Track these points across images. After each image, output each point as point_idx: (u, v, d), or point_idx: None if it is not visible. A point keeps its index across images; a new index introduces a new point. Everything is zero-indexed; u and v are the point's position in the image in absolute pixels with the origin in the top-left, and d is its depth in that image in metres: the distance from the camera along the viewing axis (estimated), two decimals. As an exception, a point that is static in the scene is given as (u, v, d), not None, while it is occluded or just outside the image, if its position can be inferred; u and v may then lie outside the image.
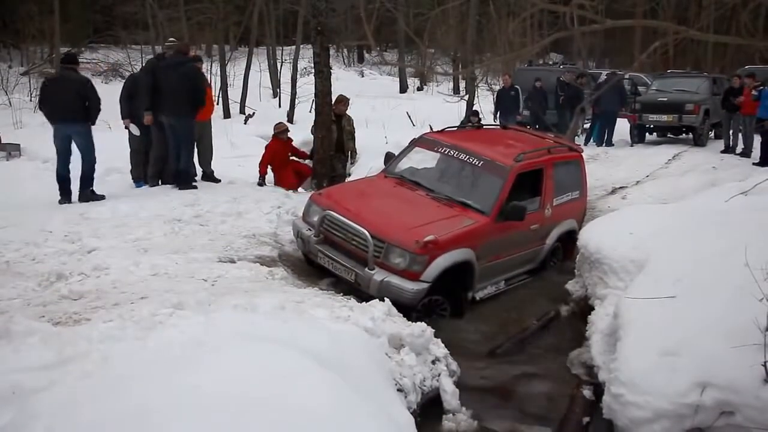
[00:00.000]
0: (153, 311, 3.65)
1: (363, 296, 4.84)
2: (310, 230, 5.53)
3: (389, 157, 6.61)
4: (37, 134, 10.88)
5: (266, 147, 8.32)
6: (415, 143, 6.62)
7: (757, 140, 11.30)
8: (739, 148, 12.18)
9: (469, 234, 5.26)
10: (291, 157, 8.41)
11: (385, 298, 4.46)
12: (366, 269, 4.98)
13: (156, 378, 2.76)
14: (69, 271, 4.71)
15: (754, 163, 10.82)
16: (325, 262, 5.34)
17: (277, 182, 8.25)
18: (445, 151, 6.22)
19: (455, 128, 7.53)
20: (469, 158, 5.98)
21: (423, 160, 6.63)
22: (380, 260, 4.98)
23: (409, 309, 4.81)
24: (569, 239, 6.45)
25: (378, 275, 4.92)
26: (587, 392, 4.01)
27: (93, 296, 4.25)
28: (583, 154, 7.05)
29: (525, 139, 7.00)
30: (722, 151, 12.47)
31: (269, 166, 8.21)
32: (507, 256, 5.82)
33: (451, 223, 5.29)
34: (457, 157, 6.07)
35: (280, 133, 8.18)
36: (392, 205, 5.64)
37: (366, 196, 5.89)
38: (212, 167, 8.34)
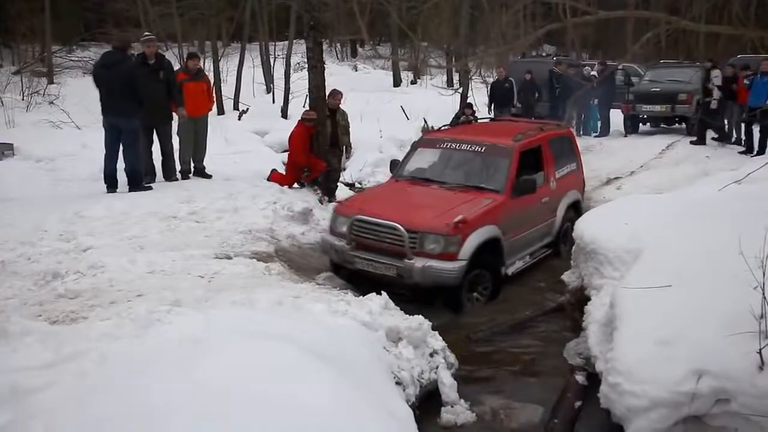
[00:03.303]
0: (150, 309, 3.65)
1: (400, 291, 5.16)
2: (341, 241, 5.67)
3: (395, 164, 6.92)
4: (30, 134, 10.83)
5: (295, 135, 8.12)
6: (417, 145, 6.98)
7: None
8: (733, 137, 12.22)
9: (491, 211, 5.62)
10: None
11: (383, 292, 4.49)
12: (405, 260, 5.22)
13: (155, 375, 2.77)
14: (65, 269, 4.70)
15: (740, 152, 10.87)
16: (363, 265, 5.51)
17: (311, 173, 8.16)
18: (447, 145, 6.59)
19: (448, 126, 7.93)
20: (471, 147, 6.37)
21: (428, 159, 6.83)
22: (416, 250, 5.24)
23: (456, 292, 5.26)
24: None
25: (418, 263, 5.18)
26: (580, 377, 4.05)
27: (90, 295, 4.25)
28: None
29: (516, 124, 7.56)
30: (714, 139, 12.52)
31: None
32: (527, 231, 6.19)
33: (472, 204, 5.62)
34: (460, 148, 6.46)
35: (310, 120, 8.06)
36: (413, 200, 5.97)
37: (386, 198, 6.19)
38: (204, 164, 8.32)
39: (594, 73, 14.26)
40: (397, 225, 5.30)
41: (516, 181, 5.93)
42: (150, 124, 7.60)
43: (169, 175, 7.95)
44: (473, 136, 6.67)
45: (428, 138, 7.03)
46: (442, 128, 7.35)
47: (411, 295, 5.33)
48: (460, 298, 5.40)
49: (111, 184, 7.26)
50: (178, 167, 8.14)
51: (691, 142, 12.24)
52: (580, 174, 7.41)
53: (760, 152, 10.48)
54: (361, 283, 5.45)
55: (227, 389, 2.62)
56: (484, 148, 6.29)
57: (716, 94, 11.89)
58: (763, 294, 2.94)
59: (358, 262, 5.53)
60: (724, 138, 12.15)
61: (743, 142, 11.31)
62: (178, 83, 7.85)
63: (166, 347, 3.08)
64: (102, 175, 7.32)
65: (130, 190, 7.16)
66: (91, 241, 5.40)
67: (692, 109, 13.09)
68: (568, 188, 6.95)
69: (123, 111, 7.08)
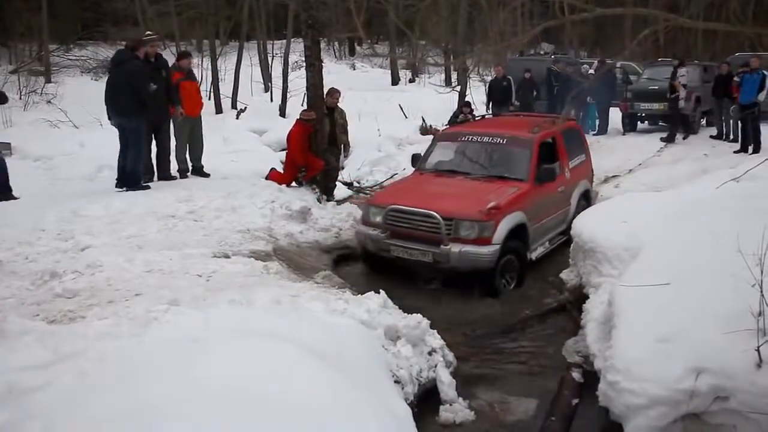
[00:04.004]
0: (148, 308, 3.64)
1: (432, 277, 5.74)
2: (375, 230, 5.92)
3: (416, 158, 7.14)
4: (28, 133, 10.83)
5: (294, 134, 8.03)
6: (437, 139, 7.31)
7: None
8: (731, 134, 12.24)
9: (518, 198, 5.95)
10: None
11: (381, 291, 4.49)
12: (441, 246, 5.48)
13: (153, 375, 2.76)
14: (63, 269, 4.68)
15: (735, 151, 10.86)
16: (399, 252, 5.77)
17: (309, 172, 8.13)
18: (468, 138, 6.89)
19: (447, 125, 8.22)
20: (492, 139, 6.68)
21: (449, 152, 7.04)
22: (452, 236, 5.53)
23: (491, 276, 5.54)
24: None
25: (455, 248, 5.45)
26: (576, 375, 4.06)
27: (87, 294, 4.23)
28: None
29: (528, 119, 8.00)
30: (712, 137, 12.54)
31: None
32: (547, 217, 6.51)
33: (500, 192, 5.93)
34: (480, 141, 6.75)
35: (309, 120, 8.01)
36: (443, 190, 6.22)
37: (417, 189, 6.40)
38: (202, 162, 8.31)
39: (592, 71, 14.26)
40: (433, 213, 5.57)
41: (538, 170, 6.27)
42: (153, 124, 7.58)
43: (164, 172, 7.90)
44: (493, 129, 7.04)
45: (449, 132, 7.44)
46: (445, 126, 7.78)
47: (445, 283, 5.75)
48: (495, 282, 5.63)
49: (119, 178, 7.30)
50: (175, 166, 8.12)
51: (662, 139, 12.48)
52: (589, 165, 7.79)
53: (756, 150, 10.48)
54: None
55: (226, 388, 2.61)
56: (505, 140, 6.60)
57: (683, 93, 12.22)
58: (761, 292, 2.94)
59: (394, 249, 5.78)
60: (689, 131, 12.58)
61: (739, 140, 11.33)
62: (174, 83, 7.84)
63: (164, 346, 3.07)
64: (95, 174, 7.32)
65: (126, 190, 7.15)
66: (89, 240, 5.38)
67: (690, 107, 13.11)
68: (579, 178, 7.31)
69: (124, 110, 7.12)
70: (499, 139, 6.64)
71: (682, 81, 12.19)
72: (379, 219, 5.93)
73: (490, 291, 5.65)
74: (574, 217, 6.91)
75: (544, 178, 6.29)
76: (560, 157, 6.87)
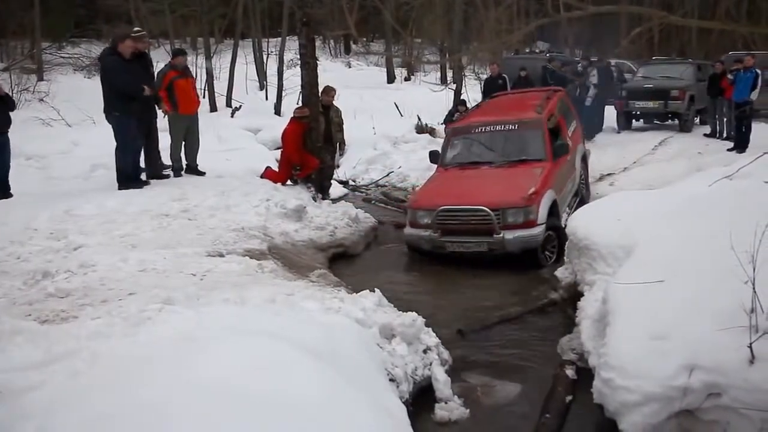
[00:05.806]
0: (141, 307, 3.63)
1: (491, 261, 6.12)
2: (427, 231, 6.31)
3: (435, 155, 7.54)
4: (20, 131, 10.75)
5: (288, 132, 8.05)
6: (451, 135, 7.66)
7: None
8: (725, 133, 12.28)
9: (546, 178, 6.44)
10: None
11: (376, 290, 4.50)
12: (494, 235, 5.99)
13: (148, 374, 2.75)
14: (55, 268, 4.65)
15: (728, 149, 10.87)
16: (454, 248, 6.25)
17: (304, 170, 8.12)
18: (480, 129, 7.27)
19: (444, 124, 8.46)
20: (504, 126, 7.13)
21: (465, 145, 7.36)
22: (501, 225, 6.01)
23: (534, 252, 6.05)
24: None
25: (507, 235, 5.97)
26: (570, 371, 4.06)
27: (80, 293, 4.21)
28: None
29: (526, 97, 8.54)
30: (705, 135, 12.58)
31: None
32: (565, 188, 7.06)
33: (530, 176, 6.38)
34: (493, 129, 7.18)
35: (303, 117, 8.00)
36: (479, 183, 6.62)
37: (454, 187, 6.75)
38: (197, 161, 8.28)
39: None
40: (482, 207, 6.03)
41: (553, 147, 6.76)
42: (144, 121, 7.53)
43: (154, 170, 7.84)
44: (498, 116, 7.38)
45: (460, 126, 7.74)
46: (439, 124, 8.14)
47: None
48: (538, 256, 6.15)
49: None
50: (169, 164, 8.08)
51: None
52: (580, 129, 8.36)
53: (742, 148, 10.46)
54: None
55: (221, 387, 2.60)
56: (516, 126, 7.04)
57: (591, 92, 12.70)
58: (754, 288, 2.95)
59: (449, 245, 6.23)
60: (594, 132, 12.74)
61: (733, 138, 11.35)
62: (168, 81, 7.78)
63: (158, 346, 3.06)
64: (88, 174, 7.30)
65: (119, 188, 7.11)
66: (82, 240, 5.36)
67: (685, 105, 13.15)
68: (576, 143, 7.82)
69: (106, 106, 7.10)
70: (510, 125, 7.05)
71: (593, 80, 12.74)
72: (428, 220, 6.28)
73: (535, 265, 6.11)
74: (579, 180, 7.68)
75: (559, 153, 6.77)
76: (561, 128, 7.29)
